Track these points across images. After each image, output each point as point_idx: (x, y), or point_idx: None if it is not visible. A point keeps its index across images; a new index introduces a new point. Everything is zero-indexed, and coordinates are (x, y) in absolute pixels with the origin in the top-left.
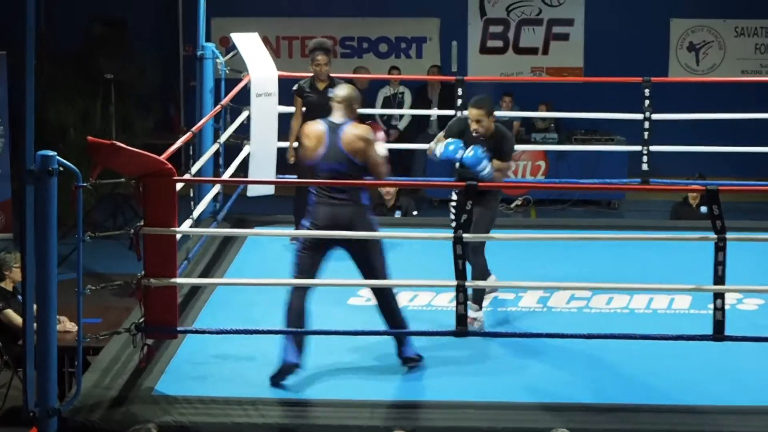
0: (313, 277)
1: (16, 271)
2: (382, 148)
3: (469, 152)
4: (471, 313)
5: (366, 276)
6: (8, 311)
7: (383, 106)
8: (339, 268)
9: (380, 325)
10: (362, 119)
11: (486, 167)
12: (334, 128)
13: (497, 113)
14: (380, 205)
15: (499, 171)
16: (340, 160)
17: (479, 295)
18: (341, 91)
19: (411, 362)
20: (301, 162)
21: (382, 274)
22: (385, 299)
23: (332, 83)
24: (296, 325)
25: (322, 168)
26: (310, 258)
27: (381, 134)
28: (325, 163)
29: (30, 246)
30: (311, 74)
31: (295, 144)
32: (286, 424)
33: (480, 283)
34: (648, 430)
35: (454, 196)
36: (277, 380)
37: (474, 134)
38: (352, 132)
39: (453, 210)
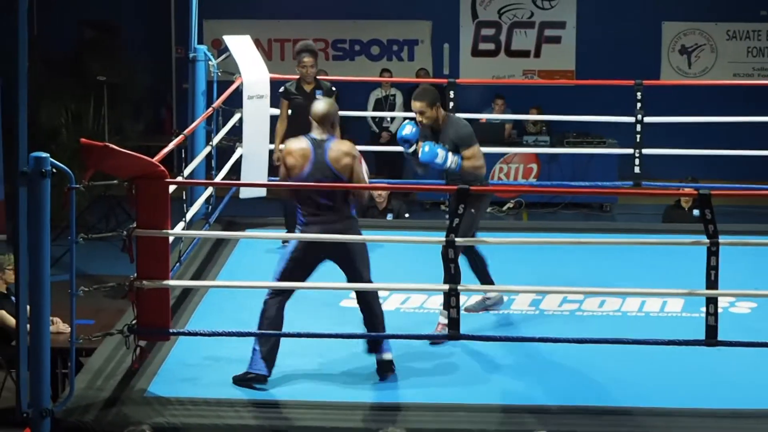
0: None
1: (9, 273)
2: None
3: (424, 148)
4: (442, 319)
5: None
6: (1, 312)
7: (375, 108)
8: (332, 270)
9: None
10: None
11: (446, 158)
12: (318, 144)
13: (489, 115)
14: (372, 207)
15: (468, 159)
16: (327, 176)
17: None
18: (319, 107)
19: (385, 371)
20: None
21: (368, 280)
22: (369, 306)
23: (318, 85)
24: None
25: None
26: (297, 270)
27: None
28: (312, 179)
29: (23, 247)
30: (298, 77)
31: (281, 146)
32: (278, 426)
33: (472, 287)
34: None
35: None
36: (240, 384)
37: (421, 126)
38: (339, 148)
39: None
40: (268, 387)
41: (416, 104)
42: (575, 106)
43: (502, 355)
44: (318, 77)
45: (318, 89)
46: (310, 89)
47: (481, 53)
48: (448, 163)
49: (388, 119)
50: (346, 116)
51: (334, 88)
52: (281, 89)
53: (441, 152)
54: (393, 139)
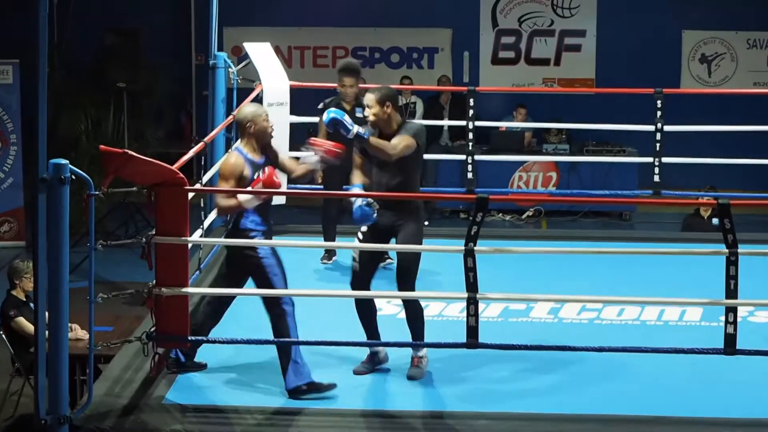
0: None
1: (27, 281)
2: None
3: (329, 114)
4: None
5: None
6: (20, 319)
7: None
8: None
9: (389, 335)
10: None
11: (351, 124)
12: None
13: (509, 123)
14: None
15: (387, 143)
16: None
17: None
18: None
19: (297, 393)
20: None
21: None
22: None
23: (359, 103)
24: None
25: None
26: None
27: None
28: None
29: (42, 254)
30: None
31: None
32: None
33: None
34: None
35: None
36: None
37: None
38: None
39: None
40: (286, 394)
41: (367, 96)
42: (595, 114)
43: (520, 363)
44: (361, 93)
45: (359, 107)
46: (350, 108)
47: (501, 61)
48: (353, 129)
49: None
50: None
51: None
52: (320, 105)
53: (346, 117)
54: None
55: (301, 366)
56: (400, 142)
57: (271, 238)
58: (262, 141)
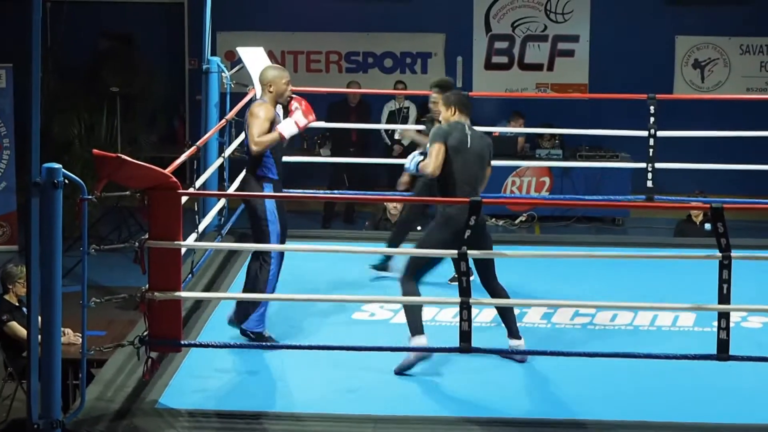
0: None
1: (20, 286)
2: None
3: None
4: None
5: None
6: (12, 323)
7: (388, 121)
8: (342, 284)
9: (384, 340)
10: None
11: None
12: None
13: (502, 129)
14: (385, 220)
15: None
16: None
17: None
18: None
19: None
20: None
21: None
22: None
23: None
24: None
25: None
26: None
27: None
28: None
29: (35, 258)
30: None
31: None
32: None
33: (484, 300)
34: None
35: None
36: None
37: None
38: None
39: None
40: (279, 398)
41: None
42: (588, 119)
43: (513, 368)
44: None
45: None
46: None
47: (494, 66)
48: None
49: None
50: (359, 129)
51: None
52: (423, 118)
53: (412, 162)
54: (406, 152)
55: (264, 317)
56: (429, 158)
57: (280, 189)
58: (279, 101)
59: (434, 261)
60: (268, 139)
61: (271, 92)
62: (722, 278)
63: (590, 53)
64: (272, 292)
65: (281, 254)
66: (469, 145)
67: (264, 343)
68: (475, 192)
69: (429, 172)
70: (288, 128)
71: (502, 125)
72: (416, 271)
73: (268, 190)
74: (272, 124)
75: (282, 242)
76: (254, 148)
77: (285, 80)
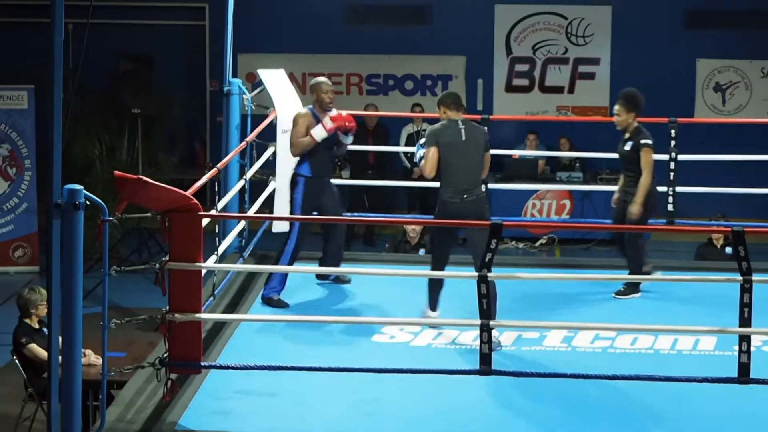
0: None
1: (42, 309)
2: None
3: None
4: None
5: None
6: (32, 345)
7: (407, 144)
8: (362, 306)
9: (403, 363)
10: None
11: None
12: None
13: (522, 152)
14: (404, 242)
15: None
16: None
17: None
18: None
19: (271, 303)
20: None
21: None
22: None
23: (638, 132)
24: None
25: None
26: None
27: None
28: None
29: (56, 279)
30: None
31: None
32: None
33: (505, 323)
34: None
35: None
36: None
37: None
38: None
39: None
40: (299, 420)
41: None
42: (609, 142)
43: (533, 391)
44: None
45: (631, 140)
46: (627, 137)
47: (514, 89)
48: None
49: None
50: (378, 151)
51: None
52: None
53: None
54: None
55: (279, 284)
56: (424, 161)
57: (313, 186)
58: (323, 105)
59: (444, 244)
60: (301, 143)
61: (313, 98)
62: (743, 302)
63: (611, 76)
64: (289, 262)
65: (302, 234)
66: (463, 138)
67: (284, 365)
68: (475, 179)
69: (426, 174)
70: (317, 132)
71: (521, 148)
72: (434, 258)
73: (300, 185)
74: (308, 128)
75: (301, 232)
76: (292, 150)
77: (324, 88)
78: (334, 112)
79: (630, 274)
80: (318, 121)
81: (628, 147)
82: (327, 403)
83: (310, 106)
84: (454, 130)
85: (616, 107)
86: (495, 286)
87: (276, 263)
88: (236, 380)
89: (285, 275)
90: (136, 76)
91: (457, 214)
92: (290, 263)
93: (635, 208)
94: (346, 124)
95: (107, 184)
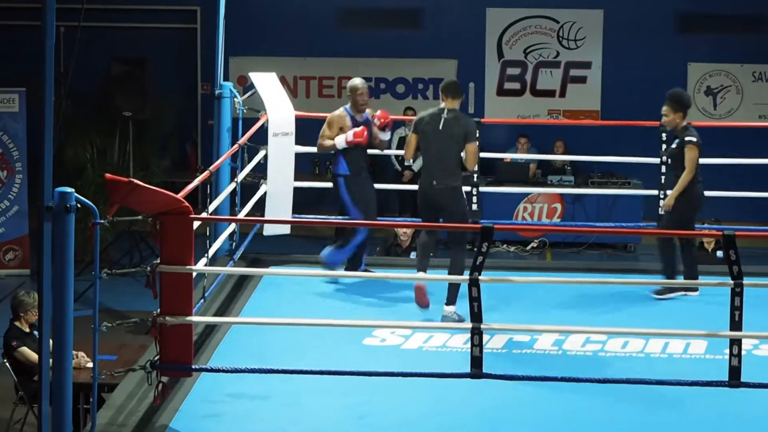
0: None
1: (33, 313)
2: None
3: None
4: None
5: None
6: (23, 349)
7: (398, 147)
8: (353, 309)
9: (395, 365)
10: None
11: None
12: None
13: (513, 155)
14: (396, 246)
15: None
16: None
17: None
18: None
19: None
20: None
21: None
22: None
23: (686, 130)
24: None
25: None
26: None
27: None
28: None
29: (47, 282)
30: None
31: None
32: None
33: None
34: None
35: None
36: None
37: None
38: None
39: None
40: (290, 424)
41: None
42: (600, 146)
43: (524, 394)
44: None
45: (677, 138)
46: (672, 136)
47: (506, 92)
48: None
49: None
50: (369, 154)
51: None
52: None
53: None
54: (416, 178)
55: (343, 254)
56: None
57: (354, 182)
58: (357, 109)
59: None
60: (324, 144)
61: (350, 100)
62: (734, 305)
63: (602, 80)
64: (361, 241)
65: (368, 230)
66: (440, 127)
67: (275, 368)
68: (446, 167)
69: (405, 157)
70: (339, 141)
71: (513, 151)
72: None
73: (342, 184)
74: (341, 129)
75: (367, 217)
76: (318, 146)
77: (359, 91)
78: (368, 112)
79: (685, 277)
80: (354, 122)
81: (674, 145)
82: (318, 406)
83: (347, 106)
84: (435, 118)
85: (664, 108)
86: None
87: (343, 243)
88: (227, 383)
89: (350, 253)
90: (128, 79)
91: (427, 200)
92: (355, 254)
93: (669, 201)
94: (380, 123)
95: (98, 187)
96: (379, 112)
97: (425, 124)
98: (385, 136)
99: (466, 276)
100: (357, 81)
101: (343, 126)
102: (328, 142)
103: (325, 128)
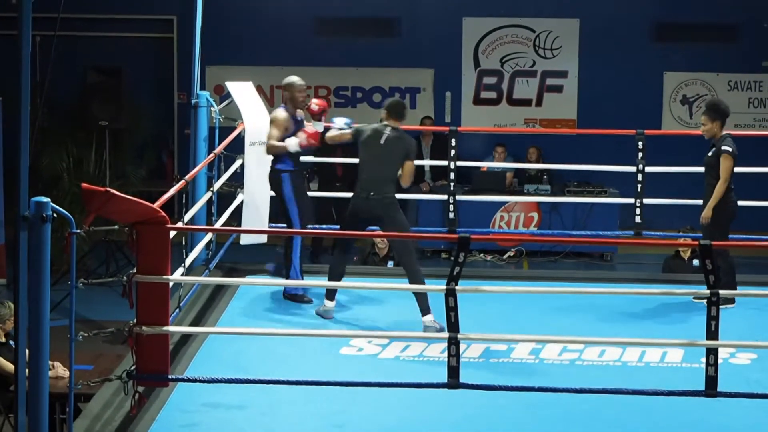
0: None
1: (9, 324)
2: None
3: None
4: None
5: None
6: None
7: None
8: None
9: (371, 375)
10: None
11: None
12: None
13: (490, 164)
14: (373, 254)
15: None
16: None
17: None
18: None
19: (295, 299)
20: None
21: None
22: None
23: (723, 139)
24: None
25: None
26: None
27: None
28: None
29: (23, 291)
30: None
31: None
32: None
33: (472, 335)
34: None
35: None
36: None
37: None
38: None
39: None
40: None
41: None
42: (576, 154)
43: (501, 404)
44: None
45: (714, 147)
46: (712, 146)
47: (482, 101)
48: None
49: None
50: (347, 163)
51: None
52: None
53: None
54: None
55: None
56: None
57: (298, 178)
58: (295, 106)
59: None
60: (276, 148)
61: (287, 97)
62: (710, 315)
63: (579, 89)
64: (298, 255)
65: (303, 226)
66: (382, 142)
67: (252, 378)
68: (383, 180)
69: (326, 139)
70: (292, 145)
71: (489, 160)
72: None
73: (286, 180)
74: (286, 130)
75: (303, 220)
76: (267, 149)
77: (297, 88)
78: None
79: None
80: (294, 121)
81: (710, 153)
82: (296, 416)
83: (283, 104)
84: (377, 132)
85: (702, 117)
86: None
87: (288, 260)
88: (204, 393)
89: (299, 270)
90: (105, 89)
91: (361, 211)
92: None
93: (707, 213)
94: (317, 108)
95: (75, 196)
96: (317, 100)
97: (367, 137)
98: (319, 126)
99: (442, 286)
100: (294, 78)
101: (288, 126)
102: (280, 146)
103: (273, 131)
